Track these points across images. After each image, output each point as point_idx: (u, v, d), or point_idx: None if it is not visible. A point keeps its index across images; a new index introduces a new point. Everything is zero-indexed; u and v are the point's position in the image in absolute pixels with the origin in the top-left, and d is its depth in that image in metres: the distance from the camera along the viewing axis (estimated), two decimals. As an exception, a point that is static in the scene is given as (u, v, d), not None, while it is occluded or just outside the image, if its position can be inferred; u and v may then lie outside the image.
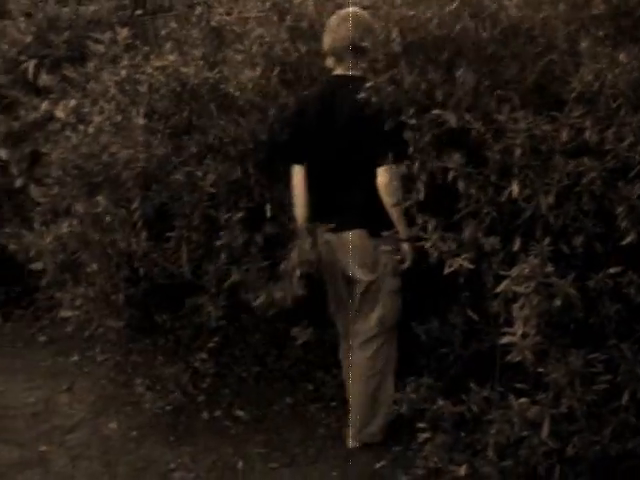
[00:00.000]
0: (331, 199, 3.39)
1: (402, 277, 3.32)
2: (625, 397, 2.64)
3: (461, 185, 2.80)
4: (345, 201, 3.33)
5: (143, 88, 3.66)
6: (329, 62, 3.39)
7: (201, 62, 3.70)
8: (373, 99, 3.04)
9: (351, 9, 3.40)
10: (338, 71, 3.37)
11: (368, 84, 3.04)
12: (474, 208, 2.82)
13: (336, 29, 3.32)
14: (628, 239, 2.60)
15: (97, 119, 3.63)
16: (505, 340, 2.57)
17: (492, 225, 2.81)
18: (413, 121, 2.91)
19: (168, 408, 3.83)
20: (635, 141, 2.61)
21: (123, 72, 3.69)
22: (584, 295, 2.61)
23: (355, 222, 3.30)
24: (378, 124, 3.08)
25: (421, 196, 2.88)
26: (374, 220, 3.23)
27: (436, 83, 2.93)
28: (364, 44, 3.23)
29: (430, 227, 2.80)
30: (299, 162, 3.47)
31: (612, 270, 2.63)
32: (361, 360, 3.43)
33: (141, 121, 3.53)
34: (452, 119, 2.79)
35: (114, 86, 3.69)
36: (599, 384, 2.61)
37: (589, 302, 2.66)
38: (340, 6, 3.65)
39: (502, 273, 2.65)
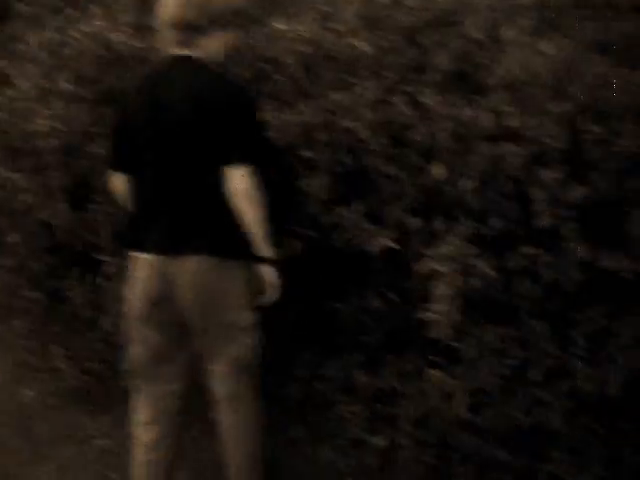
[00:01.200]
0: (166, 214, 2.58)
1: (261, 310, 2.78)
2: (535, 372, 2.78)
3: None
4: (185, 217, 2.56)
5: (69, 52, 3.58)
6: (166, 38, 2.64)
7: (129, 29, 3.63)
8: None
9: None
10: (175, 51, 2.62)
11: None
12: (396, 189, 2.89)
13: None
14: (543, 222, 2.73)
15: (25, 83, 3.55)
16: (425, 316, 2.66)
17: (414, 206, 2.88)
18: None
19: (86, 378, 3.83)
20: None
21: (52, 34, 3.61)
22: (502, 275, 2.72)
23: (198, 245, 2.55)
24: (236, 117, 2.50)
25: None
26: (223, 242, 2.57)
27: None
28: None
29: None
30: (118, 169, 2.73)
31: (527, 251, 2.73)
32: (233, 422, 2.76)
33: (67, 86, 3.45)
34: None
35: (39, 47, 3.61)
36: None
37: (506, 282, 2.77)
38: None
39: (423, 252, 2.74)
